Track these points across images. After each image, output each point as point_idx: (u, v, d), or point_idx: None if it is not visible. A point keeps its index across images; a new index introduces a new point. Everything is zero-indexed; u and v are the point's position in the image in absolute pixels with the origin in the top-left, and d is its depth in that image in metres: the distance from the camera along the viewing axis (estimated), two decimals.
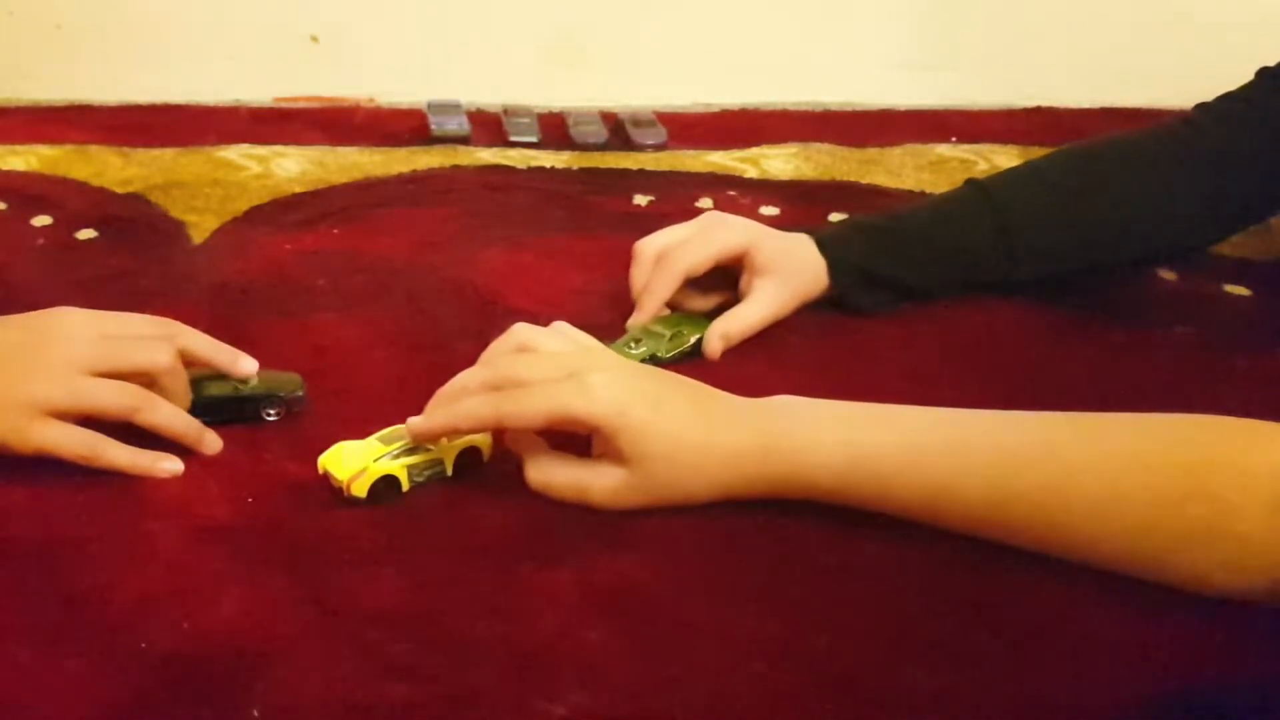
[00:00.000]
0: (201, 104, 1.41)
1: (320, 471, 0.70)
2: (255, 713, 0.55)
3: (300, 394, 0.79)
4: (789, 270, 0.92)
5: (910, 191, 1.22)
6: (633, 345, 0.87)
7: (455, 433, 0.71)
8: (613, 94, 1.45)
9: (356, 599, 0.63)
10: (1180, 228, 0.98)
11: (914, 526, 0.70)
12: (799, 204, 1.18)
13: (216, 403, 0.77)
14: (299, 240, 1.07)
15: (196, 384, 0.77)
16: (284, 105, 1.44)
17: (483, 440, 0.73)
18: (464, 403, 0.69)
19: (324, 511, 0.70)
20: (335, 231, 1.09)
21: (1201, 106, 1.00)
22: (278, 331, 0.90)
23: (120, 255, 1.03)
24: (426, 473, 0.71)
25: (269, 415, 0.78)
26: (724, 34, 1.51)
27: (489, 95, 1.42)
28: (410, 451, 0.71)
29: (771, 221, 1.12)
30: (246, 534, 0.67)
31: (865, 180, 1.25)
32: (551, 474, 0.70)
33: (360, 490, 0.69)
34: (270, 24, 1.46)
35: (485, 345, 0.90)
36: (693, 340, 0.88)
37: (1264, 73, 0.99)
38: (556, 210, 1.16)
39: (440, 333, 0.91)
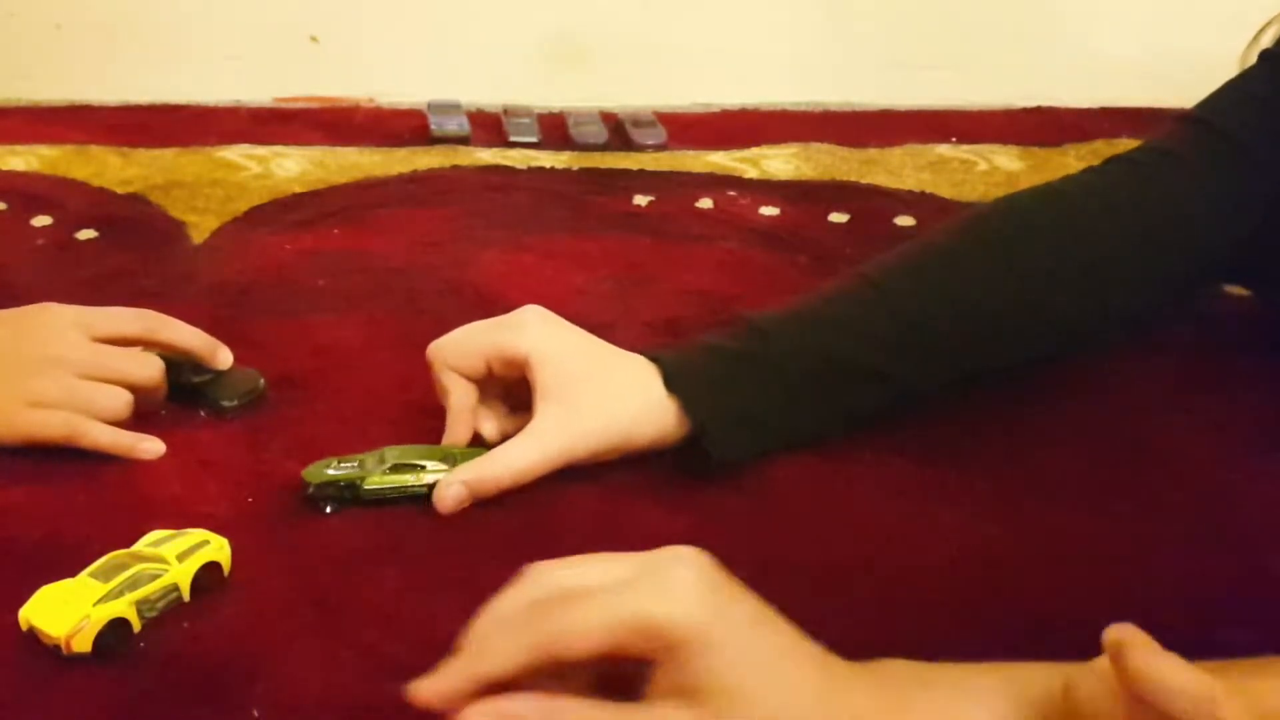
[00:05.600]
0: (201, 104, 1.41)
1: (24, 628, 0.58)
2: (255, 713, 0.55)
3: (234, 403, 0.79)
4: (580, 402, 0.70)
5: (910, 191, 1.22)
6: (336, 464, 0.69)
7: (486, 683, 0.48)
8: (613, 94, 1.45)
9: (356, 599, 0.63)
10: (1114, 304, 0.81)
11: (907, 530, 0.70)
12: (799, 204, 1.18)
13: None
14: (299, 240, 1.07)
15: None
16: (284, 105, 1.44)
17: (220, 552, 0.63)
18: (493, 640, 0.48)
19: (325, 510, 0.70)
20: (335, 231, 1.09)
21: (1124, 157, 0.85)
22: (278, 331, 0.90)
23: (120, 255, 1.03)
24: (160, 605, 0.60)
25: (203, 413, 0.80)
26: (724, 34, 1.51)
27: (489, 95, 1.42)
28: (134, 584, 0.59)
29: (772, 221, 1.12)
30: (246, 534, 0.67)
31: (865, 180, 1.25)
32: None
33: (84, 645, 0.57)
34: (270, 24, 1.46)
35: None
36: (426, 481, 0.70)
37: (1192, 122, 0.86)
38: (556, 210, 1.16)
39: (440, 333, 0.90)
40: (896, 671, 0.51)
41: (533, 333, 0.72)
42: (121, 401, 0.75)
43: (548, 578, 0.50)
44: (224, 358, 0.81)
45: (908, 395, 0.76)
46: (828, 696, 0.48)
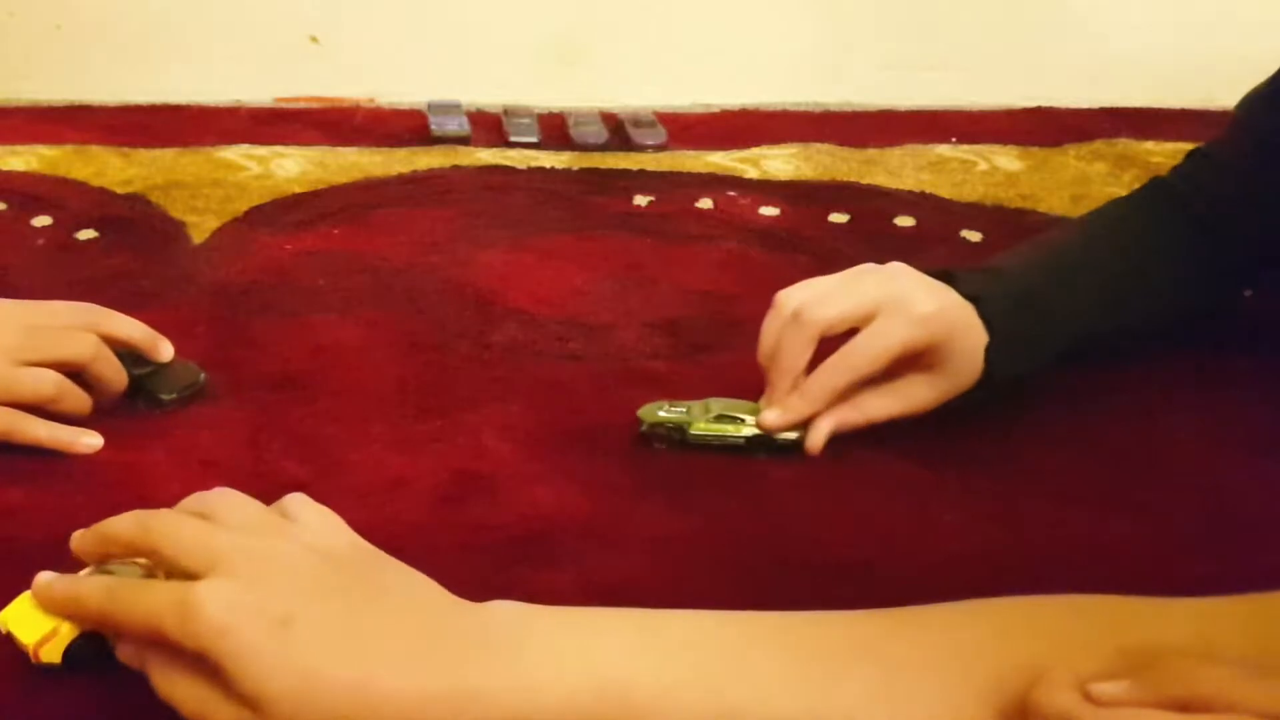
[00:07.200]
0: (201, 104, 1.41)
1: (3, 632, 0.57)
2: None
3: (173, 396, 0.79)
4: (954, 366, 0.76)
5: (910, 192, 1.22)
6: (667, 407, 0.76)
7: (69, 613, 0.55)
8: (613, 94, 1.45)
9: None
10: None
11: (907, 530, 0.70)
12: (799, 204, 1.18)
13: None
14: (299, 240, 1.07)
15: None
16: (284, 105, 1.44)
17: None
18: (85, 582, 0.55)
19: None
20: (335, 231, 1.09)
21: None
22: (278, 331, 0.90)
23: (120, 255, 1.03)
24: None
25: (140, 405, 0.79)
26: (724, 34, 1.51)
27: (489, 95, 1.42)
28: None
29: (772, 222, 1.12)
30: None
31: (865, 180, 1.25)
32: (175, 687, 0.51)
33: (52, 655, 0.55)
34: (270, 24, 1.46)
35: (485, 346, 0.90)
36: (745, 434, 0.75)
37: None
38: (556, 210, 1.16)
39: (440, 333, 0.91)
40: (494, 627, 0.51)
41: (925, 315, 0.74)
42: (47, 380, 0.74)
43: (156, 522, 0.54)
44: (165, 350, 0.80)
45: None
46: (366, 687, 0.48)
